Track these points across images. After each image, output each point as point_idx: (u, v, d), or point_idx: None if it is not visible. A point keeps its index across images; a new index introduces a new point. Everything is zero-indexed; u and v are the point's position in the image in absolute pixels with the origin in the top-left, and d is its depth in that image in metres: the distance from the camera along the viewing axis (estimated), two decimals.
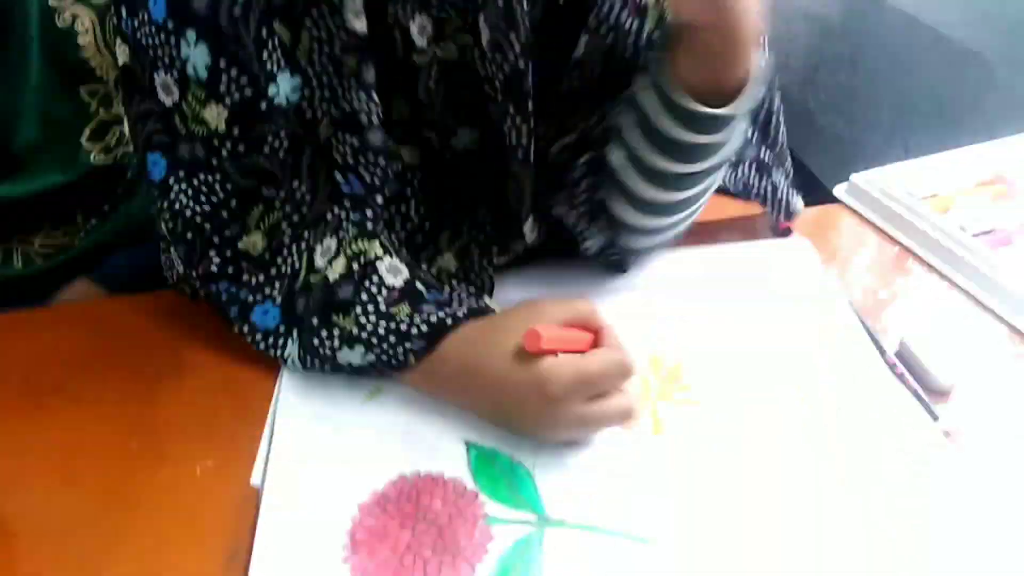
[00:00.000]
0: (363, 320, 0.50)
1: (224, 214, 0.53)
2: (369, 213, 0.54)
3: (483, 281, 0.59)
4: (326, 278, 0.52)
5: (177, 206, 0.53)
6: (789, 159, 0.66)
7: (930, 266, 0.67)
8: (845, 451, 0.49)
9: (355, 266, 0.52)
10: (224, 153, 0.51)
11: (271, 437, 0.49)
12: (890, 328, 0.60)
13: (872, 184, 0.74)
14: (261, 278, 0.54)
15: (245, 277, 0.54)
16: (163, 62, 0.49)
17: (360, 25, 0.48)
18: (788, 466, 0.48)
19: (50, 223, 0.73)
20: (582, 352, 0.48)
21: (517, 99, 0.50)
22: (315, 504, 0.45)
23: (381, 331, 0.50)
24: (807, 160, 1.71)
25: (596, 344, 0.49)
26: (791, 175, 0.66)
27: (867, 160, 0.80)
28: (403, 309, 0.51)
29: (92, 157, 0.72)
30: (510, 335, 0.48)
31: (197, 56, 0.48)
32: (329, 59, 0.50)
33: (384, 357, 0.50)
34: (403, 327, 0.50)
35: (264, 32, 0.48)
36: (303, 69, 0.50)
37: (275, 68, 0.49)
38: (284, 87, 0.50)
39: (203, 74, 0.49)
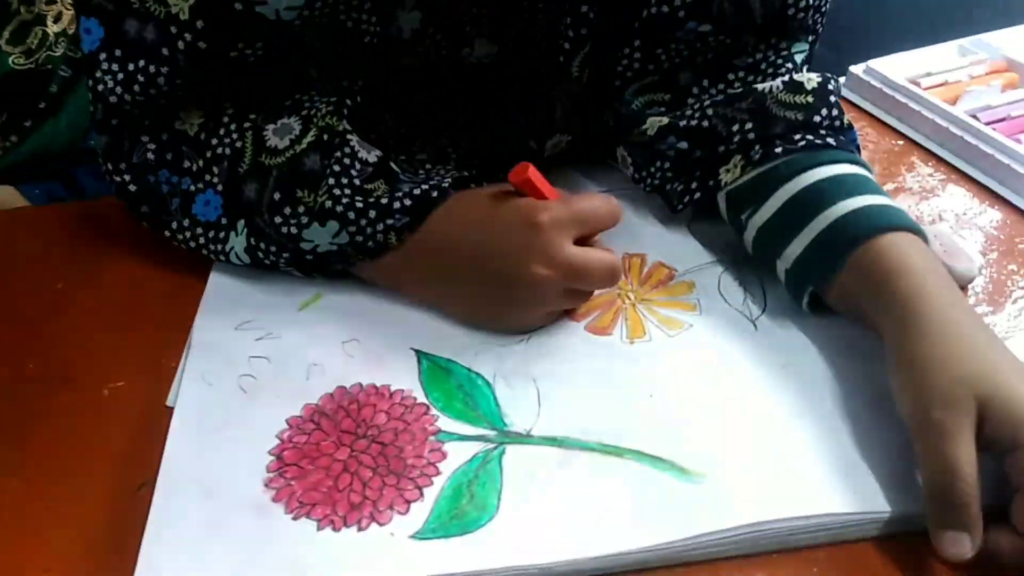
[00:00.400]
0: (336, 192, 0.43)
1: (163, 102, 0.45)
2: (346, 100, 0.47)
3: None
4: (292, 156, 0.45)
5: (102, 87, 0.45)
6: None
7: (939, 159, 0.61)
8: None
9: (325, 137, 0.45)
10: (180, 45, 0.43)
11: (188, 350, 0.43)
12: None
13: (873, 75, 0.67)
14: (201, 163, 0.47)
15: (186, 164, 0.46)
16: None
17: None
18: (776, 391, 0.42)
19: None
20: None
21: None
22: (236, 422, 0.38)
23: (359, 205, 0.43)
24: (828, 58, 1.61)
25: None
26: None
27: (879, 54, 0.73)
28: (380, 186, 0.44)
29: (11, 61, 0.64)
30: (500, 200, 0.43)
31: None
32: None
33: (360, 238, 0.43)
34: (383, 200, 0.43)
35: None
36: None
37: None
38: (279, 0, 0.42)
39: None
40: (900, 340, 0.38)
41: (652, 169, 0.52)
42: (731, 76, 0.51)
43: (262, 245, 0.45)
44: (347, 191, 0.44)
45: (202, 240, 0.47)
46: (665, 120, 0.51)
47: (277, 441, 0.38)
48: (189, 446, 0.37)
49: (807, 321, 0.45)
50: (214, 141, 0.46)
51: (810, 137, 0.47)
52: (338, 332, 0.44)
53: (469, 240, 0.43)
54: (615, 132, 0.54)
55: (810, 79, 0.48)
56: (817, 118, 0.48)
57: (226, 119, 0.46)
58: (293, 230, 0.44)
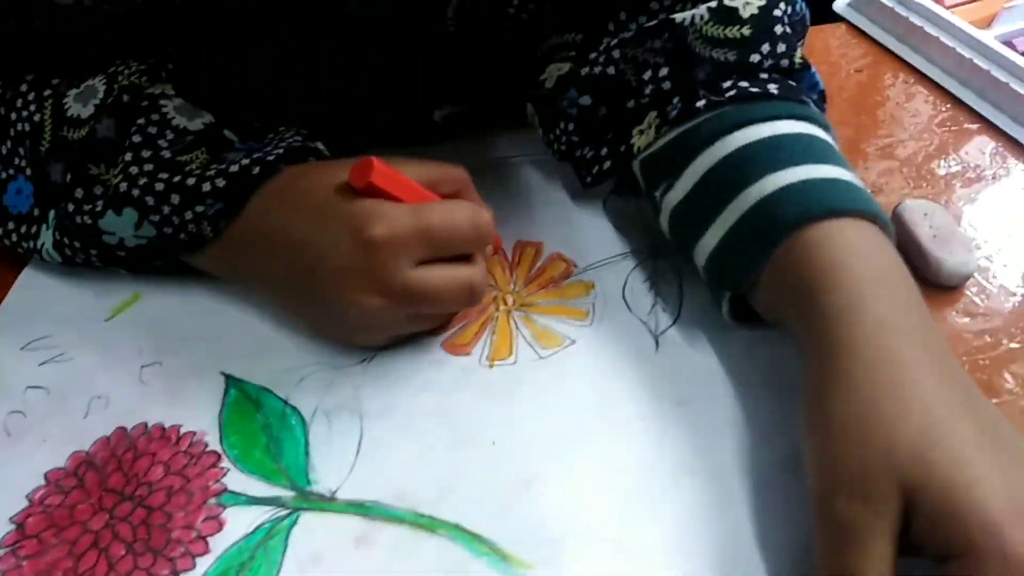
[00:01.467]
0: (134, 169, 0.35)
1: None
2: (167, 62, 0.38)
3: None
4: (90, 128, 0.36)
5: None
6: None
7: (959, 102, 0.47)
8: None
9: (125, 98, 0.36)
10: None
11: None
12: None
13: None
14: (9, 145, 0.38)
15: None
16: None
17: None
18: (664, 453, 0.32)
19: None
20: None
21: None
22: None
23: (158, 188, 0.34)
24: None
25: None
26: None
27: None
28: (198, 156, 0.35)
29: None
30: (336, 193, 0.33)
31: None
32: None
33: (168, 229, 0.35)
34: (190, 181, 0.34)
35: None
36: None
37: None
38: None
39: None
40: (815, 383, 0.28)
41: (557, 132, 0.41)
42: (652, 4, 0.38)
43: (66, 240, 0.37)
44: (147, 167, 0.35)
45: (14, 237, 0.39)
46: (565, 68, 0.39)
47: (25, 503, 0.31)
48: None
49: (727, 336, 0.35)
50: (13, 116, 0.38)
51: (744, 84, 0.35)
52: (142, 351, 0.36)
53: (292, 238, 0.34)
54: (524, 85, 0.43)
55: (748, 3, 0.35)
56: (755, 57, 0.36)
57: (24, 87, 0.38)
58: (87, 219, 0.35)
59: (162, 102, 0.36)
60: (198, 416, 0.33)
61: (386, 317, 0.33)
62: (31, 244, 0.39)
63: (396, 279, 0.32)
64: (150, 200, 0.34)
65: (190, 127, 0.36)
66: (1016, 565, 0.22)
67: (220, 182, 0.34)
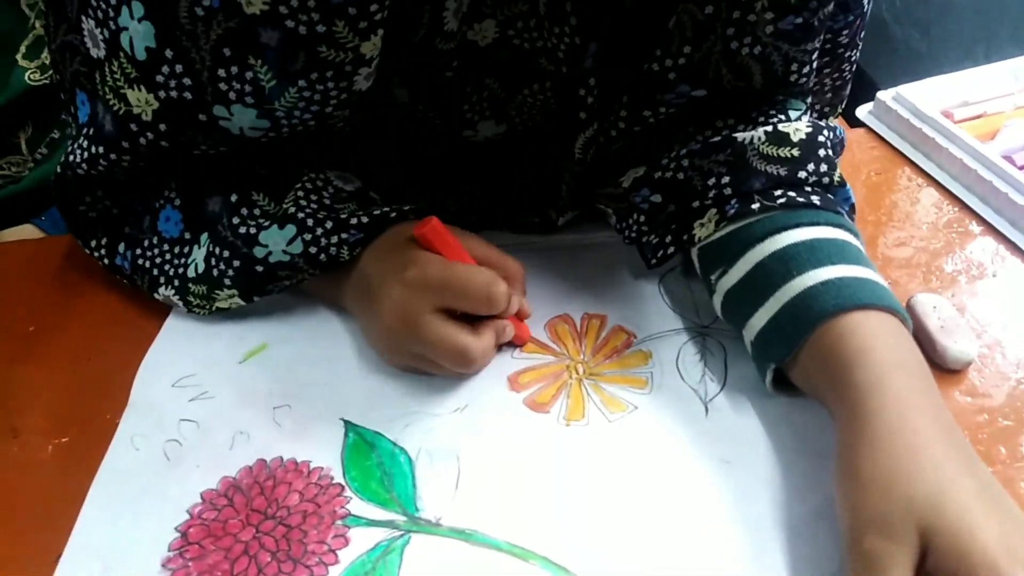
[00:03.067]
0: (303, 202, 0.44)
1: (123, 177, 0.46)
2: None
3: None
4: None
5: (72, 158, 0.45)
6: None
7: (964, 206, 0.54)
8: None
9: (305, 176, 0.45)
10: (143, 141, 0.41)
11: (127, 408, 0.43)
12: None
13: (901, 102, 0.60)
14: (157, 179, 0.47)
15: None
16: (95, 11, 0.38)
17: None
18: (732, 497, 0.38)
19: None
20: None
21: (575, 79, 0.42)
22: (152, 492, 0.39)
23: (321, 215, 0.43)
24: (878, 78, 1.50)
25: None
26: None
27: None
28: (349, 207, 0.44)
29: (27, 76, 0.66)
30: (409, 243, 0.43)
31: (138, 32, 0.37)
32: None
33: (313, 248, 0.43)
34: (343, 216, 0.43)
35: (227, 51, 0.37)
36: (272, 114, 0.39)
37: (234, 96, 0.38)
38: (243, 119, 0.40)
39: (140, 54, 0.38)
40: (847, 443, 0.35)
41: (629, 221, 0.48)
42: (718, 123, 0.46)
43: (216, 250, 0.44)
44: (313, 205, 0.44)
45: (167, 256, 0.47)
46: (641, 171, 0.47)
47: (186, 516, 0.38)
48: (102, 516, 0.38)
49: (769, 403, 0.41)
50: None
51: (792, 194, 0.43)
52: (272, 394, 0.43)
53: (366, 270, 0.43)
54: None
55: (797, 129, 0.44)
56: (803, 173, 0.43)
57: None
58: (252, 230, 0.43)
59: (328, 174, 0.46)
60: (324, 454, 0.40)
61: (399, 346, 0.42)
62: (181, 262, 0.46)
63: (411, 316, 0.40)
64: (310, 222, 0.43)
65: (345, 188, 0.45)
66: None
67: (364, 219, 0.43)
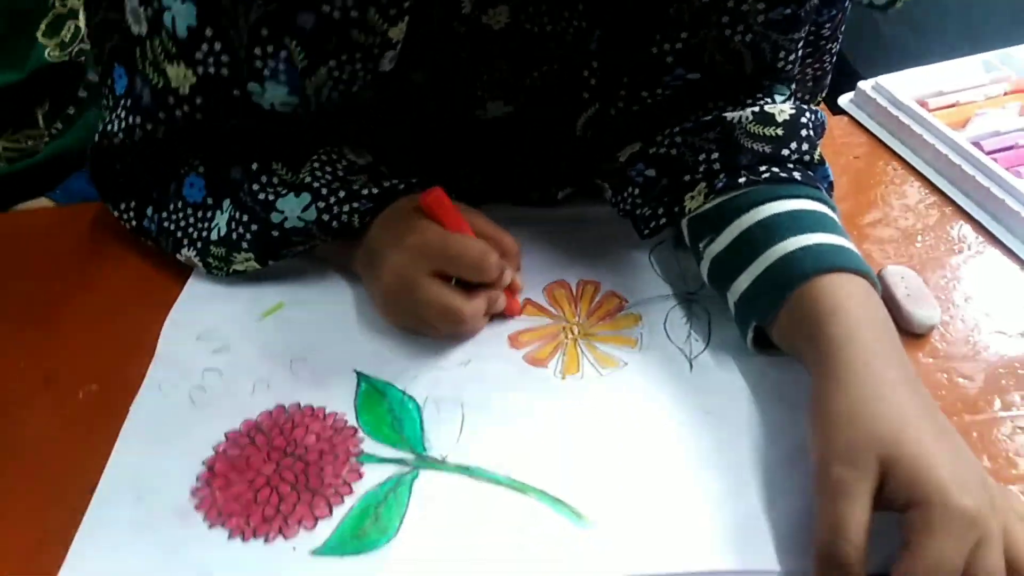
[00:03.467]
0: (318, 172, 0.47)
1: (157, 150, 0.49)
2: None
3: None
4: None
5: (111, 127, 0.48)
6: None
7: (936, 189, 0.58)
8: None
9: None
10: (178, 114, 0.45)
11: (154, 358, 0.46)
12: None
13: (880, 92, 0.64)
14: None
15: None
16: None
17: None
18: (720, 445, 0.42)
19: (11, 125, 0.71)
20: None
21: (580, 61, 0.46)
22: (180, 432, 0.42)
23: (335, 186, 0.47)
24: (867, 72, 1.54)
25: None
26: None
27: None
28: (361, 179, 0.47)
29: (47, 53, 0.68)
30: (415, 212, 0.46)
31: (181, 12, 0.41)
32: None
33: (326, 216, 0.46)
34: (355, 187, 0.47)
35: (264, 31, 0.40)
36: (303, 91, 0.43)
37: (268, 73, 0.42)
38: (275, 95, 0.43)
39: (181, 32, 0.41)
40: (820, 388, 0.38)
41: (624, 194, 0.52)
42: (710, 104, 0.50)
43: (237, 214, 0.48)
44: (327, 175, 0.47)
45: (191, 220, 0.50)
46: (637, 147, 0.51)
47: (212, 452, 0.41)
48: (133, 453, 0.41)
49: (748, 361, 0.45)
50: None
51: (775, 169, 0.46)
52: (289, 348, 0.47)
53: (373, 234, 0.47)
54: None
55: (782, 111, 0.47)
56: (786, 151, 0.47)
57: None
58: (271, 196, 0.47)
59: (340, 148, 0.49)
60: (339, 401, 0.44)
61: (398, 306, 0.45)
62: (204, 225, 0.49)
63: (409, 279, 0.44)
64: (324, 191, 0.46)
65: (358, 161, 0.48)
66: (954, 514, 0.32)
67: (375, 189, 0.46)
